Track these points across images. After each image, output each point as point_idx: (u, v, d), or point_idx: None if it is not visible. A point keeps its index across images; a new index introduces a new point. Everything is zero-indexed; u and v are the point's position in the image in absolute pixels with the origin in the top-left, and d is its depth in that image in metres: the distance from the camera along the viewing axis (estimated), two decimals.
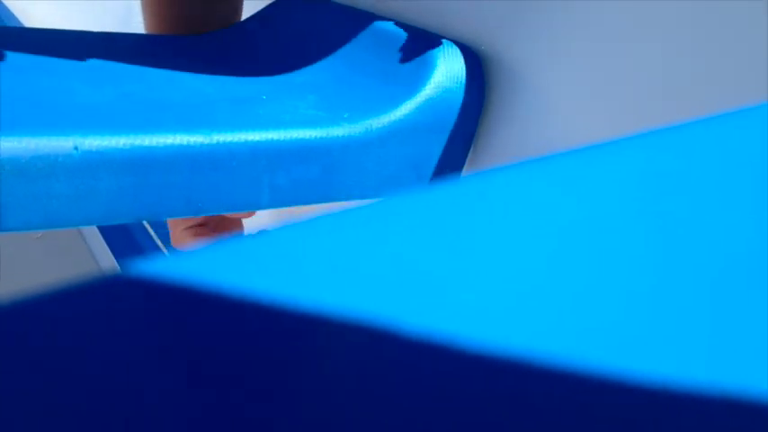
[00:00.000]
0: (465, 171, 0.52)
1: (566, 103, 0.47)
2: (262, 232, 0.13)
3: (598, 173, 0.15)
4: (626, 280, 0.13)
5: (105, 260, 0.95)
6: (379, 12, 0.59)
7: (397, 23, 0.55)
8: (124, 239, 0.95)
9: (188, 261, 0.12)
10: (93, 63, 0.46)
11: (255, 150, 0.40)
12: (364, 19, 0.56)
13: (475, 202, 0.14)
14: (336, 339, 0.11)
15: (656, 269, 0.13)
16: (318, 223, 0.13)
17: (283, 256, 0.13)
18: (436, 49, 0.48)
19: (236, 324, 0.11)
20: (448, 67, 0.48)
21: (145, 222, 0.95)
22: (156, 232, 0.92)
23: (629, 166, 0.16)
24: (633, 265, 0.13)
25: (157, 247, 0.91)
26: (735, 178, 0.15)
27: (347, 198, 0.46)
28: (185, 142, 0.37)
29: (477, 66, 0.50)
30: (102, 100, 0.39)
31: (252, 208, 0.41)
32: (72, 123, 0.35)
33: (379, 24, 0.54)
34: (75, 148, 0.33)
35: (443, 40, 0.49)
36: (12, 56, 0.44)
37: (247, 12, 0.64)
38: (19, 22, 1.41)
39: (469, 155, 0.52)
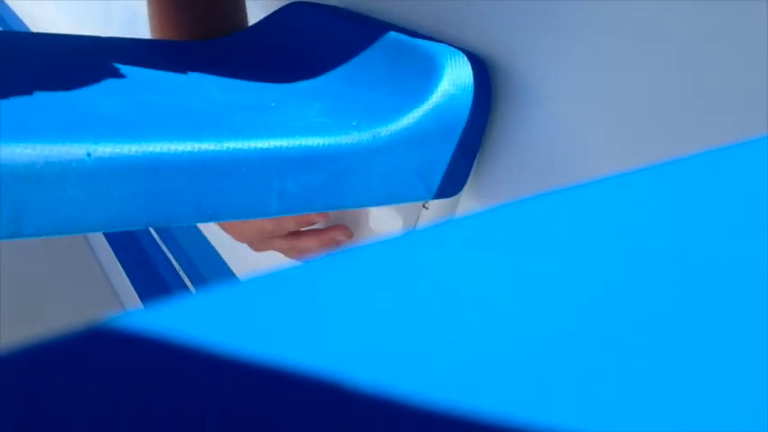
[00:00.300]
0: (471, 177, 0.52)
1: (570, 110, 0.47)
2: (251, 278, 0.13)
3: (602, 209, 0.15)
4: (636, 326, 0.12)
5: (110, 264, 0.96)
6: (387, 18, 0.60)
7: (405, 30, 0.55)
8: (129, 243, 0.95)
9: (163, 314, 0.12)
10: (104, 69, 0.47)
11: (265, 157, 0.40)
12: (371, 25, 0.56)
13: (463, 246, 0.14)
14: (319, 398, 0.10)
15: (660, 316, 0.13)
16: (289, 275, 0.13)
17: (262, 309, 0.12)
18: (443, 57, 0.49)
19: (210, 379, 0.11)
20: (455, 76, 0.48)
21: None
22: (160, 237, 0.93)
23: (637, 200, 0.16)
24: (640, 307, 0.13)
25: (162, 252, 0.91)
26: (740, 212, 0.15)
27: (355, 205, 0.46)
28: (196, 149, 0.37)
29: (484, 73, 0.50)
30: (114, 107, 0.40)
31: (261, 215, 0.42)
32: (85, 130, 0.35)
33: (386, 31, 0.54)
34: (88, 155, 0.34)
35: (450, 48, 0.50)
36: (24, 62, 0.45)
37: (254, 16, 0.65)
38: (25, 26, 1.41)
39: (476, 161, 0.52)
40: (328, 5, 0.60)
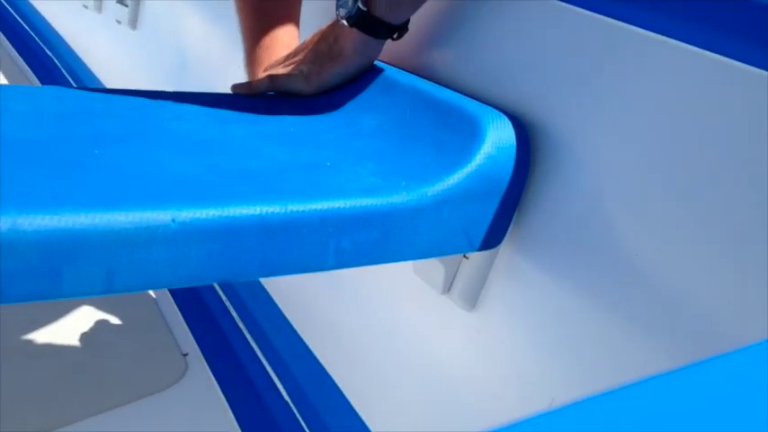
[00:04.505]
0: (510, 229, 0.56)
1: (605, 168, 0.51)
2: None
3: None
4: None
5: (168, 306, 1.00)
6: (432, 76, 0.64)
7: (449, 88, 0.59)
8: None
9: None
10: (177, 129, 0.52)
11: (324, 218, 0.44)
12: (418, 83, 0.60)
13: None
14: None
15: None
16: None
17: None
18: (486, 120, 0.52)
19: None
20: (497, 138, 0.52)
21: None
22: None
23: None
24: None
25: (220, 300, 0.96)
26: None
27: (402, 258, 0.50)
28: (264, 212, 0.41)
29: (523, 133, 0.54)
30: (190, 171, 0.44)
31: (318, 269, 0.45)
32: (168, 196, 0.40)
33: (431, 89, 0.59)
34: (173, 220, 0.38)
35: (493, 111, 0.54)
36: (104, 125, 0.50)
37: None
38: (80, 59, 1.49)
39: (515, 214, 0.55)
40: (379, 61, 0.65)
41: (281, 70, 0.66)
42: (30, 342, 0.91)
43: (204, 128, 0.53)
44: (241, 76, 0.73)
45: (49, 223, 0.34)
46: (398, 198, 0.47)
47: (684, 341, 0.45)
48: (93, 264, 0.36)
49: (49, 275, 0.35)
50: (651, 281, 0.47)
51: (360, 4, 0.58)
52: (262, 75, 0.67)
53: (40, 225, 0.34)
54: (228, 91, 0.67)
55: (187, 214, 0.39)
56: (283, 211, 0.42)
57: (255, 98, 0.64)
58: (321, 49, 0.64)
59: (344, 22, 0.60)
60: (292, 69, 0.65)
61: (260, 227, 0.41)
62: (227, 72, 0.98)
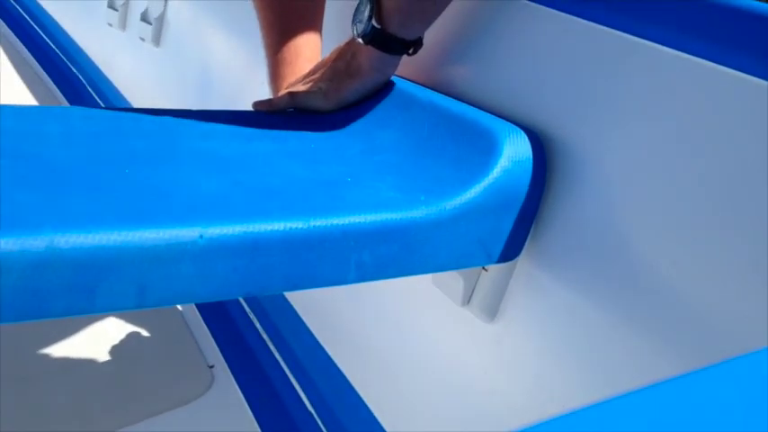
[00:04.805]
0: (528, 241, 0.57)
1: (619, 182, 0.51)
2: None
3: None
4: None
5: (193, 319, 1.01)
6: (448, 90, 0.65)
7: (465, 102, 0.61)
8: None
9: None
10: (202, 148, 0.53)
11: (345, 232, 0.45)
12: (435, 98, 0.62)
13: None
14: None
15: None
16: None
17: None
18: (502, 135, 0.53)
19: None
20: (513, 152, 0.53)
21: None
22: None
23: None
24: None
25: (244, 312, 0.98)
26: None
27: (422, 271, 0.51)
28: (288, 228, 0.43)
29: (540, 147, 0.55)
30: (216, 189, 0.46)
31: (340, 283, 0.47)
32: (196, 214, 0.41)
33: (448, 104, 0.60)
34: (201, 237, 0.40)
35: (509, 125, 0.55)
36: (133, 145, 0.52)
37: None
38: (106, 76, 1.52)
39: (532, 226, 0.56)
40: (396, 77, 0.66)
41: (300, 88, 0.67)
42: (57, 355, 0.93)
43: (228, 146, 0.55)
44: (263, 92, 0.75)
45: (84, 241, 0.36)
46: (418, 212, 0.49)
47: (702, 350, 0.46)
48: (125, 279, 0.38)
49: (85, 291, 0.37)
50: (667, 292, 0.48)
51: (374, 22, 0.60)
52: (282, 92, 0.69)
53: (75, 243, 0.36)
54: (251, 107, 0.69)
55: (214, 230, 0.40)
56: (306, 226, 0.44)
57: (276, 115, 0.66)
58: (339, 66, 0.66)
59: (360, 39, 0.61)
60: (311, 87, 0.66)
61: (284, 242, 0.43)
62: (249, 87, 1.01)
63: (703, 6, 0.46)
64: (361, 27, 0.61)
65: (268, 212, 0.44)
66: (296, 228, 0.43)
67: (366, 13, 0.60)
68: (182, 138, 0.55)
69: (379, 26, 0.60)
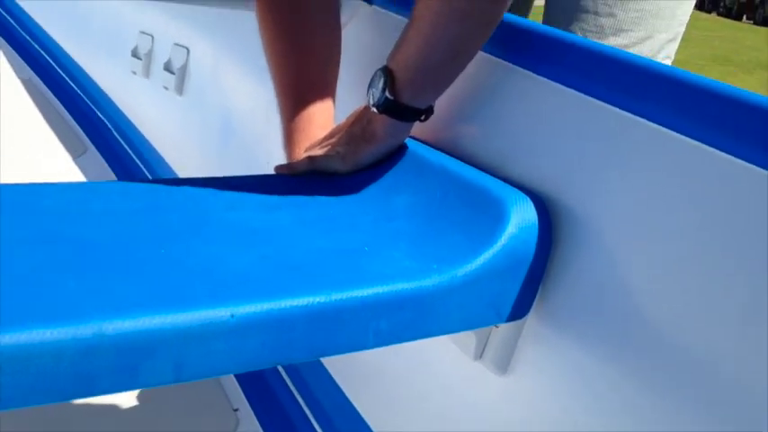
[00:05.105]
0: (537, 299, 0.60)
1: (624, 244, 0.55)
2: None
3: None
4: None
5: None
6: (456, 151, 0.69)
7: (474, 164, 0.64)
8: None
9: None
10: (229, 220, 0.57)
11: (364, 303, 0.49)
12: (447, 162, 0.65)
13: None
14: None
15: None
16: None
17: None
18: (510, 203, 0.57)
19: None
20: (520, 219, 0.56)
21: None
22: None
23: None
24: None
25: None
26: None
27: (435, 334, 0.55)
28: (311, 302, 0.47)
29: (545, 211, 0.58)
30: (244, 265, 0.50)
31: (359, 349, 0.50)
32: (227, 293, 0.45)
33: (459, 169, 0.63)
34: (232, 316, 0.43)
35: (517, 192, 0.58)
36: (167, 220, 0.56)
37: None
38: (131, 122, 1.58)
39: (540, 286, 0.60)
40: (410, 138, 0.70)
41: (318, 151, 0.72)
42: (82, 399, 0.97)
43: (253, 216, 0.59)
44: (280, 139, 0.79)
45: (127, 326, 0.40)
46: (431, 281, 0.52)
47: (711, 409, 0.48)
48: (164, 358, 0.42)
49: (127, 371, 0.41)
50: (672, 349, 0.51)
51: (387, 94, 0.64)
52: (302, 155, 0.73)
53: (120, 328, 0.40)
54: (269, 156, 0.73)
55: (244, 309, 0.44)
56: (327, 300, 0.47)
57: (296, 180, 0.70)
58: (355, 131, 0.70)
59: (374, 109, 0.65)
60: (329, 150, 0.71)
61: (307, 316, 0.47)
62: (269, 137, 1.05)
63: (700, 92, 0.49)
64: (375, 97, 0.65)
65: (292, 288, 0.47)
66: (318, 302, 0.47)
67: (380, 85, 0.64)
68: (211, 210, 0.59)
69: (392, 97, 0.64)
